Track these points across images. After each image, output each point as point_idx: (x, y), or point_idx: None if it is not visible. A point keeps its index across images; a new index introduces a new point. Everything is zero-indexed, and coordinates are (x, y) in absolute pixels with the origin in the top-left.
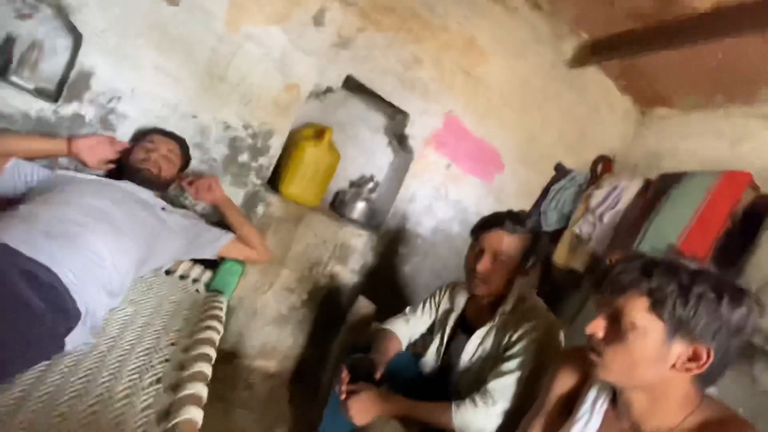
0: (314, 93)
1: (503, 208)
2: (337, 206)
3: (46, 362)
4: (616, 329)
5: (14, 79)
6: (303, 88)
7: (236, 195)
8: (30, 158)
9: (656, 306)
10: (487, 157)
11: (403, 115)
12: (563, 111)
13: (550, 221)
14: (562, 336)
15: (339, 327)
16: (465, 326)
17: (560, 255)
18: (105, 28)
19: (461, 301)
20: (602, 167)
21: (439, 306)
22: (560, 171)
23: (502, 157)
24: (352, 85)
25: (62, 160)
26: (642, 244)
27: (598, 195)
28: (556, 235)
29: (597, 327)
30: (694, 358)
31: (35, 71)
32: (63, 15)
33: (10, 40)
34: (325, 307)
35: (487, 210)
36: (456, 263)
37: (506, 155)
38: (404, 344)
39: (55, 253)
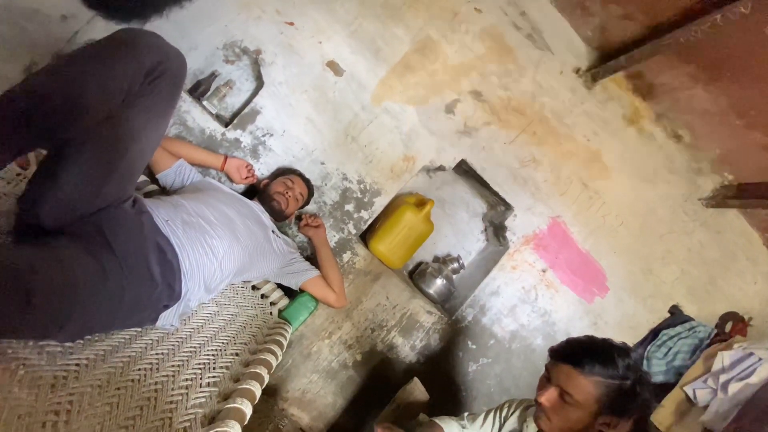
0: (427, 168)
1: (600, 336)
2: (416, 276)
3: (138, 329)
4: None
5: (205, 103)
6: (418, 161)
7: (331, 238)
8: (192, 163)
9: None
10: (591, 274)
11: (507, 207)
12: (690, 250)
13: (654, 370)
14: None
15: (383, 403)
16: None
17: (663, 418)
18: (282, 81)
19: (532, 428)
20: (732, 326)
21: (504, 423)
22: (676, 315)
23: (608, 280)
24: (463, 168)
25: (212, 171)
26: None
27: (723, 358)
28: (659, 391)
29: None
30: None
31: (222, 101)
32: (256, 66)
33: (213, 75)
34: (375, 377)
35: (578, 332)
36: (529, 382)
37: (613, 279)
38: None
39: (183, 239)
